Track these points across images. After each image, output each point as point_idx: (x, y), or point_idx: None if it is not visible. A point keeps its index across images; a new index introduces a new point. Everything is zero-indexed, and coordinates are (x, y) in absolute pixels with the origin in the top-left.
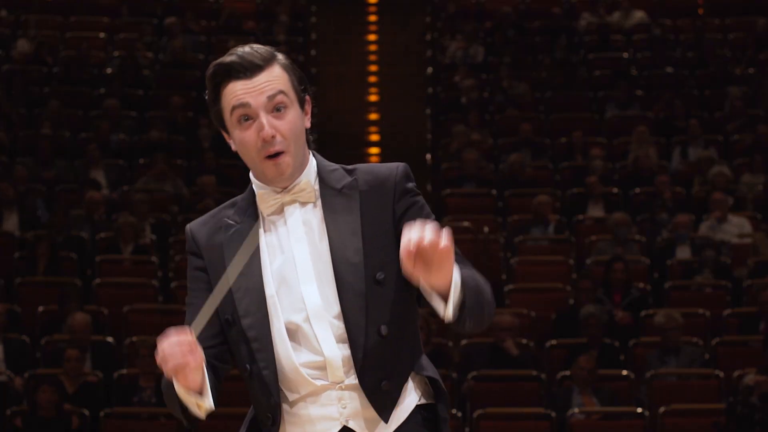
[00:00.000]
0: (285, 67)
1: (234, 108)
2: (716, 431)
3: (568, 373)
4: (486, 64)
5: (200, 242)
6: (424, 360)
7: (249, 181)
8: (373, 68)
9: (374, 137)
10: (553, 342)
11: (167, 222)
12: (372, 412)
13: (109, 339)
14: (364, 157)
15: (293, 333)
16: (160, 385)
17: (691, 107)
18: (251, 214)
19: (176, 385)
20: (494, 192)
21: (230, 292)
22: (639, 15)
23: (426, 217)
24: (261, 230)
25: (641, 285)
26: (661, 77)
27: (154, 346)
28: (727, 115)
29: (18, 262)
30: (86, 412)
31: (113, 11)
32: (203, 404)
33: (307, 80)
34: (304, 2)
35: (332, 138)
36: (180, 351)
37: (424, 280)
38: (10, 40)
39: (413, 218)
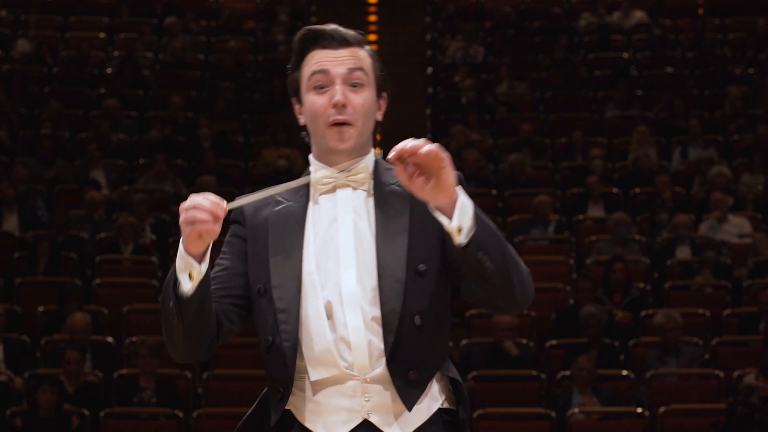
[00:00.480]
0: (371, 54)
1: (313, 73)
2: (716, 431)
3: (568, 373)
4: (486, 64)
5: (246, 213)
6: (450, 364)
7: (249, 181)
8: None
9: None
10: (553, 342)
11: (167, 222)
12: (394, 407)
13: (109, 339)
14: None
15: (327, 315)
16: (160, 386)
17: (691, 107)
18: (303, 195)
19: (181, 246)
20: (494, 192)
21: (267, 263)
22: (639, 15)
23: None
24: (310, 209)
25: (641, 285)
26: (661, 77)
27: (155, 346)
28: (727, 115)
29: (18, 262)
30: (86, 412)
31: (113, 11)
32: (196, 269)
33: (388, 82)
34: (304, 2)
35: None
36: (208, 214)
37: (427, 196)
38: (10, 40)
39: None
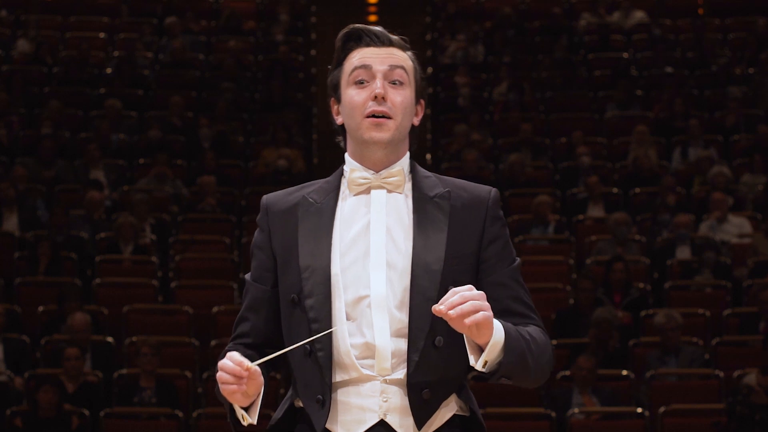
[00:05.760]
0: (412, 59)
1: (355, 68)
2: (716, 431)
3: (568, 373)
4: (486, 64)
5: (273, 215)
6: (469, 392)
7: (249, 181)
8: None
9: None
10: (554, 342)
11: (167, 222)
12: (410, 411)
13: (109, 339)
14: None
15: (351, 315)
16: (160, 386)
17: (691, 107)
18: (333, 197)
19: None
20: None
21: (298, 271)
22: (639, 15)
23: (508, 254)
24: (339, 208)
25: (641, 285)
26: (661, 77)
27: (155, 345)
28: (727, 115)
29: (18, 262)
30: (86, 412)
31: (113, 11)
32: (248, 419)
33: (426, 90)
34: (304, 2)
35: (332, 138)
36: (234, 380)
37: (467, 333)
38: (10, 40)
39: (496, 253)
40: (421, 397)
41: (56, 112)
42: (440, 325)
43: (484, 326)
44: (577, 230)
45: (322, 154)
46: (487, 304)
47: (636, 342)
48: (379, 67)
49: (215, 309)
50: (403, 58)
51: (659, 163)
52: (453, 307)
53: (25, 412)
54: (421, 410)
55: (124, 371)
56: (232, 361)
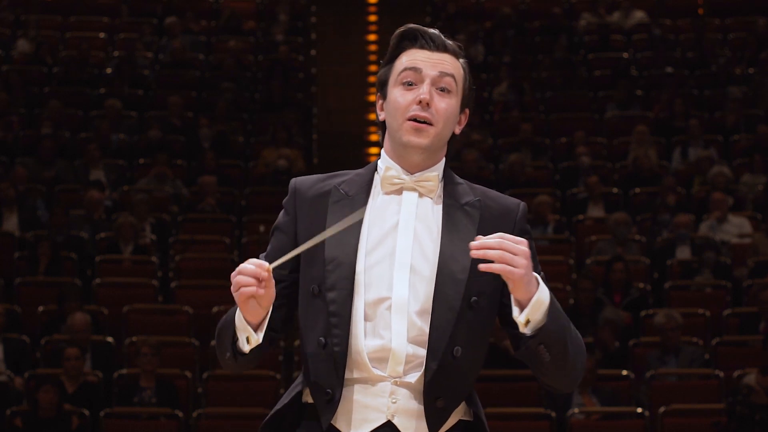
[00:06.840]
0: (464, 68)
1: (405, 69)
2: (716, 431)
3: None
4: (486, 64)
5: (301, 200)
6: (477, 398)
7: (249, 181)
8: (373, 68)
9: (374, 137)
10: None
11: (167, 222)
12: (418, 414)
13: (109, 339)
14: (364, 157)
15: (369, 315)
16: (160, 386)
17: (691, 107)
18: (364, 191)
19: (238, 314)
20: None
21: (323, 262)
22: (639, 15)
23: (533, 267)
24: (370, 206)
25: (641, 285)
26: (661, 77)
27: (156, 345)
28: (727, 115)
29: (18, 262)
30: (86, 412)
31: (113, 11)
32: (253, 337)
33: (473, 100)
34: (304, 2)
35: (332, 138)
36: (255, 281)
37: (508, 283)
38: (10, 40)
39: None
40: (435, 405)
41: (56, 112)
42: (460, 335)
43: (515, 281)
44: (577, 230)
45: (322, 154)
46: (521, 261)
47: (636, 342)
48: (429, 72)
49: (215, 309)
50: (455, 65)
51: (659, 163)
52: (483, 248)
53: (25, 412)
54: (433, 418)
55: (124, 371)
56: (252, 263)
